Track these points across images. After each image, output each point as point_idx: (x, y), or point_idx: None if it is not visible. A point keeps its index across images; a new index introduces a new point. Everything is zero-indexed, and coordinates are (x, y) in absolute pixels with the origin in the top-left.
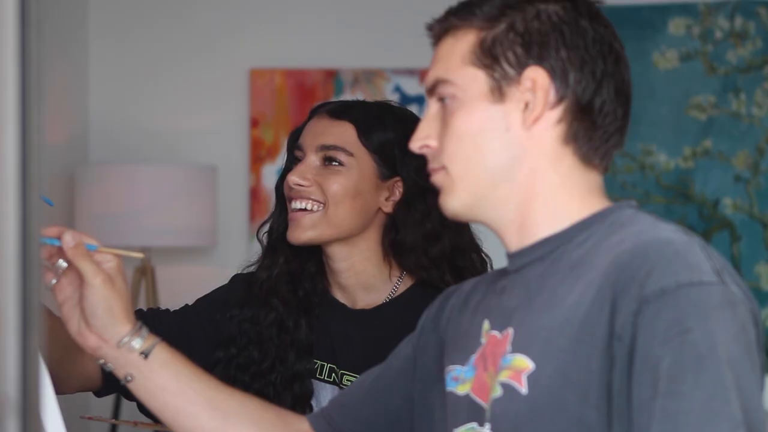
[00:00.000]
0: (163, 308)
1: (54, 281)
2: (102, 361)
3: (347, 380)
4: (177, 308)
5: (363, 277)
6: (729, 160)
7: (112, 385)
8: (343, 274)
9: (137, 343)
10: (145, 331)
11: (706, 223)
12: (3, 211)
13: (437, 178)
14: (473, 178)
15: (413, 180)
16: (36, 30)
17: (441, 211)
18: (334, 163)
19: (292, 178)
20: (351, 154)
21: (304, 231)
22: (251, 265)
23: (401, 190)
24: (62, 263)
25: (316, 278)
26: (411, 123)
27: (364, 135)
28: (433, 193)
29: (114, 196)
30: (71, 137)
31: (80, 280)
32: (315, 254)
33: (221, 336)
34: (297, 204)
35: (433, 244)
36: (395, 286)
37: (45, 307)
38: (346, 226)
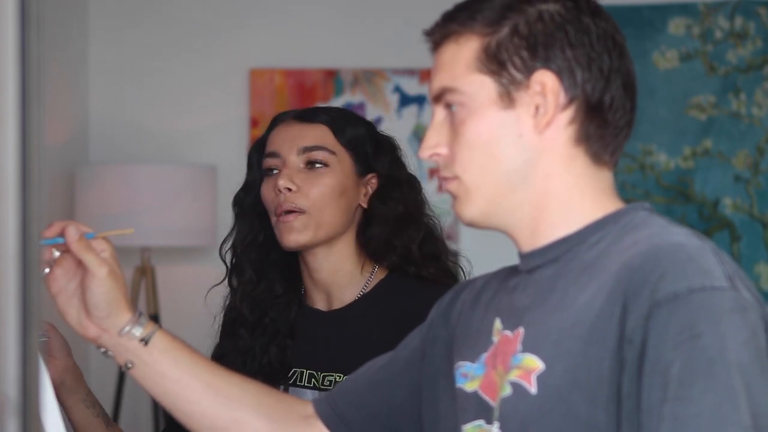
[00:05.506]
0: None
1: (46, 270)
2: (103, 350)
3: (328, 380)
4: None
5: (340, 274)
6: (729, 160)
7: None
8: (323, 273)
9: (137, 331)
10: (144, 318)
11: (706, 223)
12: (3, 211)
13: (451, 188)
14: (490, 185)
15: (387, 173)
16: (36, 30)
17: (414, 201)
18: (317, 165)
19: (281, 183)
20: (333, 153)
21: (299, 234)
22: (216, 285)
23: (374, 185)
24: (54, 252)
25: (281, 301)
26: (372, 124)
27: (338, 134)
28: (408, 183)
29: (114, 196)
30: (71, 137)
31: (75, 270)
32: (283, 272)
33: None
34: (285, 208)
35: (404, 226)
36: (367, 281)
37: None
38: (335, 226)
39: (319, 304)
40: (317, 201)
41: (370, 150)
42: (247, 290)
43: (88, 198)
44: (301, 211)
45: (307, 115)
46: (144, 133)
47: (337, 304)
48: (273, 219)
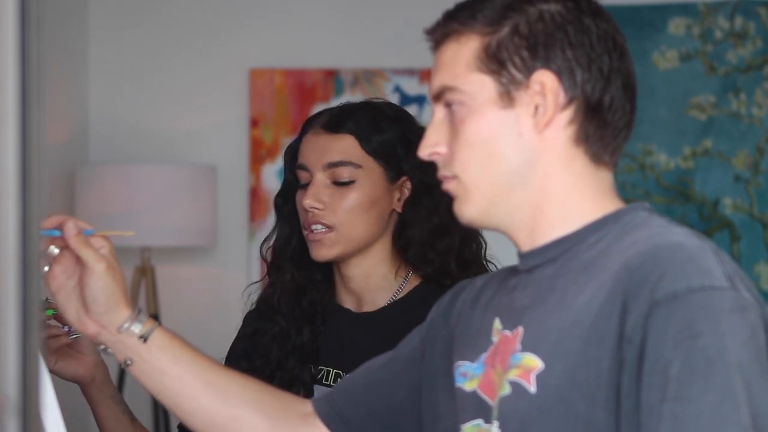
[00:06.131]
0: None
1: (46, 268)
2: (102, 347)
3: None
4: None
5: (373, 279)
6: (729, 160)
7: None
8: (356, 279)
9: (136, 328)
10: (143, 315)
11: (706, 223)
12: (3, 211)
13: (450, 187)
14: (489, 185)
15: (419, 177)
16: (36, 30)
17: (448, 204)
18: (343, 180)
19: (307, 202)
20: (359, 166)
21: (329, 249)
22: (255, 282)
23: (409, 188)
24: (54, 250)
25: (320, 286)
26: (406, 120)
27: (365, 143)
28: (440, 187)
29: (114, 196)
30: (71, 137)
31: (74, 267)
32: (320, 265)
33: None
34: (315, 227)
35: (441, 238)
36: (401, 286)
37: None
38: (366, 237)
39: (349, 304)
40: (345, 217)
41: (401, 152)
42: (287, 287)
43: (88, 198)
44: (329, 228)
45: (335, 125)
46: (144, 133)
47: (368, 307)
48: (304, 232)
